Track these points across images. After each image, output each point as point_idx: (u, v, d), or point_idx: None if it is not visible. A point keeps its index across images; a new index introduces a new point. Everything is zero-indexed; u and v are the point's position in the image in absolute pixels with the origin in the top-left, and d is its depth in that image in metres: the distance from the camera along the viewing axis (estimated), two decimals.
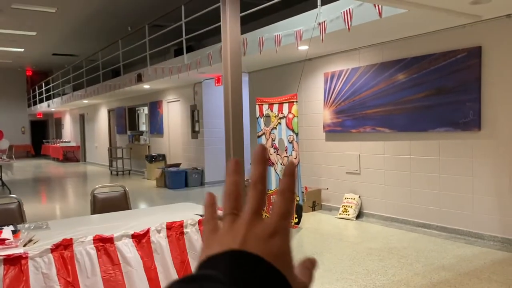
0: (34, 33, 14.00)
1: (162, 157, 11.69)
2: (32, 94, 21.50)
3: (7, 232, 2.38)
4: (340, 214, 6.60)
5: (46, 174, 14.76)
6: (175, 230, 2.82)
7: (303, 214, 6.20)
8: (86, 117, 18.12)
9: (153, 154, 11.79)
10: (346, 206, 6.58)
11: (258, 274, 0.35)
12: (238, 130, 3.62)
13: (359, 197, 6.58)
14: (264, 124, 6.47)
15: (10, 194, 9.67)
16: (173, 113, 11.56)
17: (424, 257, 4.55)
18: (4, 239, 2.27)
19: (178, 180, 10.04)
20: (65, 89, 17.12)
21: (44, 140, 21.91)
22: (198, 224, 2.94)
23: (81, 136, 18.72)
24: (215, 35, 8.76)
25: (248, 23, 7.39)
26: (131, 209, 3.69)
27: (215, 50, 7.42)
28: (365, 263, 4.39)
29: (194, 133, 10.58)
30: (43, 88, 19.20)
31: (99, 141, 16.82)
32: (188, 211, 3.34)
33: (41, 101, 19.95)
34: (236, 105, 3.42)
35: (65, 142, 20.04)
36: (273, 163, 6.48)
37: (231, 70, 3.47)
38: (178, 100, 11.27)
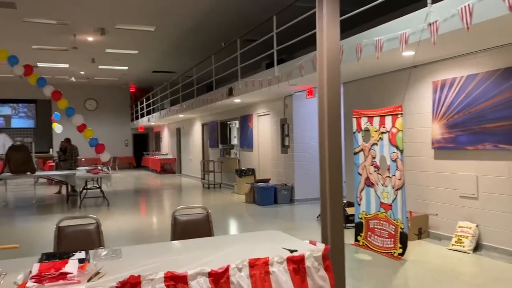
0: (136, 52, 14.84)
1: (252, 171, 11.46)
2: (134, 109, 23.02)
3: (72, 264, 2.13)
4: (452, 245, 5.64)
5: (144, 185, 15.43)
6: (259, 269, 2.35)
7: (408, 243, 5.38)
8: (182, 131, 18.79)
9: (243, 169, 11.62)
10: (461, 236, 5.59)
11: None
12: (335, 146, 3.09)
13: (477, 226, 5.56)
14: (363, 139, 5.80)
15: (108, 206, 10.16)
16: (263, 127, 11.31)
17: None
18: (66, 273, 2.00)
19: (267, 196, 9.69)
20: (164, 104, 17.95)
21: (144, 153, 23.26)
22: (287, 262, 2.45)
23: (177, 149, 19.45)
24: (307, 47, 8.35)
25: (342, 32, 6.84)
26: (213, 235, 3.32)
27: (307, 60, 6.96)
28: None
29: (284, 148, 10.18)
30: (144, 104, 20.40)
31: (193, 154, 17.27)
32: (275, 243, 2.87)
33: (142, 115, 21.22)
34: (333, 118, 2.89)
35: (163, 154, 21.00)
36: (372, 184, 5.77)
37: (328, 79, 2.96)
38: (268, 114, 10.99)
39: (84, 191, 10.48)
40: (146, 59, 16.05)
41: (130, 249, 2.77)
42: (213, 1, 9.65)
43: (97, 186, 10.92)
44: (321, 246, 2.67)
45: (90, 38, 12.68)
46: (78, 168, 12.09)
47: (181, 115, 15.88)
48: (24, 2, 9.54)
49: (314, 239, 2.86)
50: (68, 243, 2.93)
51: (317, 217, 7.89)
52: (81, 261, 2.28)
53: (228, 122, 14.19)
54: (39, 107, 23.51)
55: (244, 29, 9.88)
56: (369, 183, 5.84)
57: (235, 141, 14.58)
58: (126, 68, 17.84)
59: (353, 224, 6.31)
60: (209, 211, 3.45)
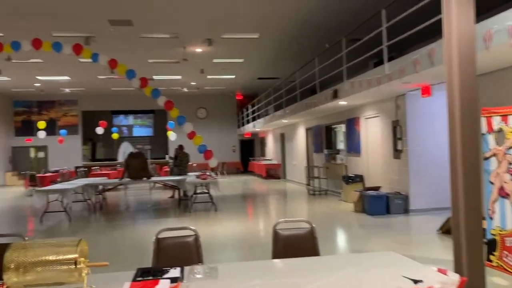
0: (241, 60, 15.13)
1: (360, 178, 10.78)
2: (241, 116, 23.64)
3: (163, 285, 1.95)
4: None
5: (251, 190, 15.61)
6: None
7: None
8: (286, 136, 18.70)
9: (350, 175, 10.99)
10: None
11: None
12: (472, 148, 2.52)
13: None
14: (495, 142, 4.92)
15: (216, 210, 10.37)
16: (372, 130, 10.57)
17: None
18: None
19: (378, 205, 8.97)
20: (268, 110, 18.05)
21: (250, 158, 23.73)
22: None
23: (282, 154, 19.40)
24: (418, 43, 7.54)
25: None
26: (318, 253, 2.95)
27: (422, 55, 6.21)
28: None
29: (396, 153, 9.34)
30: (250, 110, 20.79)
31: (297, 159, 17.03)
32: (393, 268, 2.40)
33: (248, 122, 21.65)
34: (468, 116, 2.34)
35: (268, 160, 21.15)
36: (508, 194, 4.85)
37: (460, 71, 2.42)
38: (378, 116, 10.23)
39: (194, 195, 10.85)
40: (251, 66, 16.30)
41: (228, 267, 2.54)
42: (316, 3, 9.32)
43: (206, 191, 11.25)
44: (454, 277, 2.14)
45: (198, 49, 13.22)
46: (189, 173, 12.63)
47: (284, 120, 15.76)
48: (140, 19, 10.24)
49: (436, 256, 2.34)
50: (166, 256, 2.82)
51: (438, 230, 7.00)
52: (173, 280, 2.11)
53: (333, 126, 13.65)
54: (156, 117, 25.48)
55: (349, 28, 9.35)
56: (503, 194, 4.91)
57: (341, 145, 13.97)
58: (233, 76, 18.36)
59: (485, 241, 5.39)
60: (314, 225, 3.09)
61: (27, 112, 23.03)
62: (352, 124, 11.59)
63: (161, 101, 11.04)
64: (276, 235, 3.01)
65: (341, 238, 7.33)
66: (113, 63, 10.61)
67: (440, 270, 2.33)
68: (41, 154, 21.06)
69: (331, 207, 10.45)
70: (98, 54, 10.48)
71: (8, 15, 9.61)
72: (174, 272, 2.27)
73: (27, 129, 22.67)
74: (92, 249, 6.76)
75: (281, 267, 2.59)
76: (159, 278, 2.13)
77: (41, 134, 19.12)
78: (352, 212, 9.50)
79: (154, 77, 17.15)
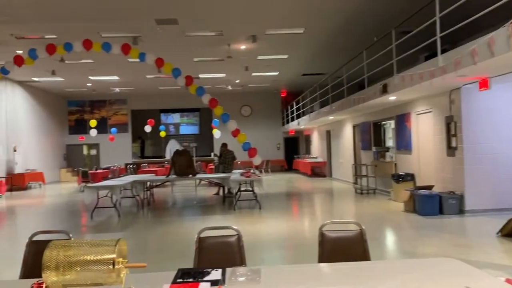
0: (286, 56, 14.95)
1: (411, 176, 10.30)
2: (285, 113, 23.42)
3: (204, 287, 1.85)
4: None
5: (295, 189, 15.40)
6: None
7: None
8: (332, 133, 18.31)
9: (401, 173, 10.53)
10: None
11: None
12: None
13: None
14: None
15: (260, 208, 10.27)
16: (424, 126, 10.06)
17: None
18: None
19: (430, 205, 8.51)
20: (313, 106, 17.74)
21: (295, 156, 23.48)
22: None
23: (327, 152, 19.02)
24: (478, 32, 7.03)
25: None
26: (369, 258, 2.75)
27: (481, 44, 5.77)
28: None
29: (450, 150, 8.82)
30: (294, 107, 20.54)
31: (343, 157, 16.62)
32: (454, 277, 2.17)
33: (292, 119, 21.42)
34: None
35: (313, 157, 20.82)
36: None
37: None
38: (430, 111, 9.71)
39: (239, 193, 10.82)
40: (295, 62, 16.07)
41: (271, 270, 2.40)
42: None
43: (250, 189, 11.19)
44: None
45: (243, 47, 13.19)
46: (234, 171, 12.63)
47: (330, 117, 15.40)
48: (185, 18, 10.33)
49: (497, 262, 2.08)
50: (208, 255, 2.73)
51: (497, 233, 6.51)
52: (214, 283, 2.00)
53: (382, 123, 13.16)
54: (202, 115, 25.83)
55: (399, 20, 8.92)
56: None
57: (389, 142, 13.45)
58: (276, 73, 18.21)
59: None
60: (363, 227, 2.89)
61: (80, 111, 24.09)
62: (402, 120, 11.10)
63: (205, 99, 11.11)
64: (322, 237, 2.83)
65: (391, 240, 7.00)
66: (159, 62, 10.78)
67: (507, 281, 2.07)
68: (93, 152, 21.94)
69: (380, 207, 10.06)
70: (145, 54, 10.69)
71: (60, 18, 10.00)
72: (215, 274, 2.17)
73: (80, 127, 23.72)
74: (139, 244, 6.86)
75: (328, 272, 2.42)
76: (199, 281, 2.03)
77: (93, 132, 19.91)
78: (402, 212, 9.09)
79: (200, 75, 17.34)
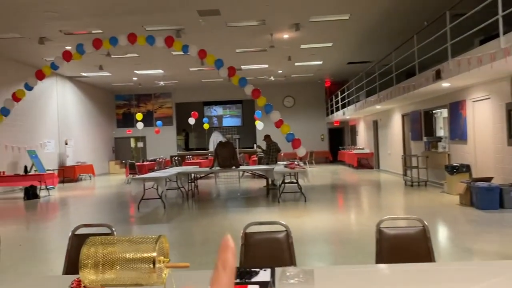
0: (330, 44, 14.50)
1: (466, 168, 9.67)
2: (329, 104, 22.87)
3: None
4: None
5: (341, 181, 15.00)
6: None
7: None
8: (379, 123, 17.65)
9: (455, 164, 9.91)
10: None
11: None
12: None
13: None
14: None
15: (305, 201, 10.02)
16: (481, 114, 9.38)
17: None
18: None
19: (489, 198, 7.92)
20: (359, 96, 17.16)
21: (340, 147, 22.92)
22: None
23: (375, 143, 18.38)
24: None
25: None
26: (433, 260, 2.47)
27: None
28: None
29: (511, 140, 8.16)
30: (339, 97, 19.99)
31: (392, 148, 15.98)
32: None
33: (337, 109, 20.87)
34: None
35: (359, 149, 20.22)
36: None
37: None
38: (488, 98, 9.04)
39: (283, 185, 10.62)
40: (340, 50, 15.57)
41: (325, 272, 2.19)
42: None
43: (294, 180, 10.96)
44: None
45: (285, 36, 12.90)
46: (278, 162, 12.43)
47: (378, 106, 14.81)
48: (227, 8, 10.19)
49: None
50: (255, 252, 2.55)
51: None
52: (263, 285, 1.81)
53: (434, 111, 12.47)
54: (244, 107, 25.78)
55: (451, 2, 8.31)
56: None
57: (441, 132, 12.74)
58: (320, 62, 17.75)
59: None
60: (426, 223, 2.60)
61: (127, 105, 24.73)
62: (456, 108, 10.43)
63: (248, 90, 10.94)
64: (380, 235, 2.58)
65: (447, 235, 6.55)
66: (202, 54, 10.73)
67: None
68: (140, 144, 22.47)
69: (433, 200, 9.53)
70: (188, 46, 10.67)
71: (106, 12, 10.15)
72: (264, 275, 1.98)
73: (127, 121, 24.37)
74: (185, 236, 6.81)
75: (388, 275, 2.17)
76: (248, 283, 1.85)
77: (140, 126, 20.36)
78: (458, 205, 8.54)
79: (242, 67, 17.21)
